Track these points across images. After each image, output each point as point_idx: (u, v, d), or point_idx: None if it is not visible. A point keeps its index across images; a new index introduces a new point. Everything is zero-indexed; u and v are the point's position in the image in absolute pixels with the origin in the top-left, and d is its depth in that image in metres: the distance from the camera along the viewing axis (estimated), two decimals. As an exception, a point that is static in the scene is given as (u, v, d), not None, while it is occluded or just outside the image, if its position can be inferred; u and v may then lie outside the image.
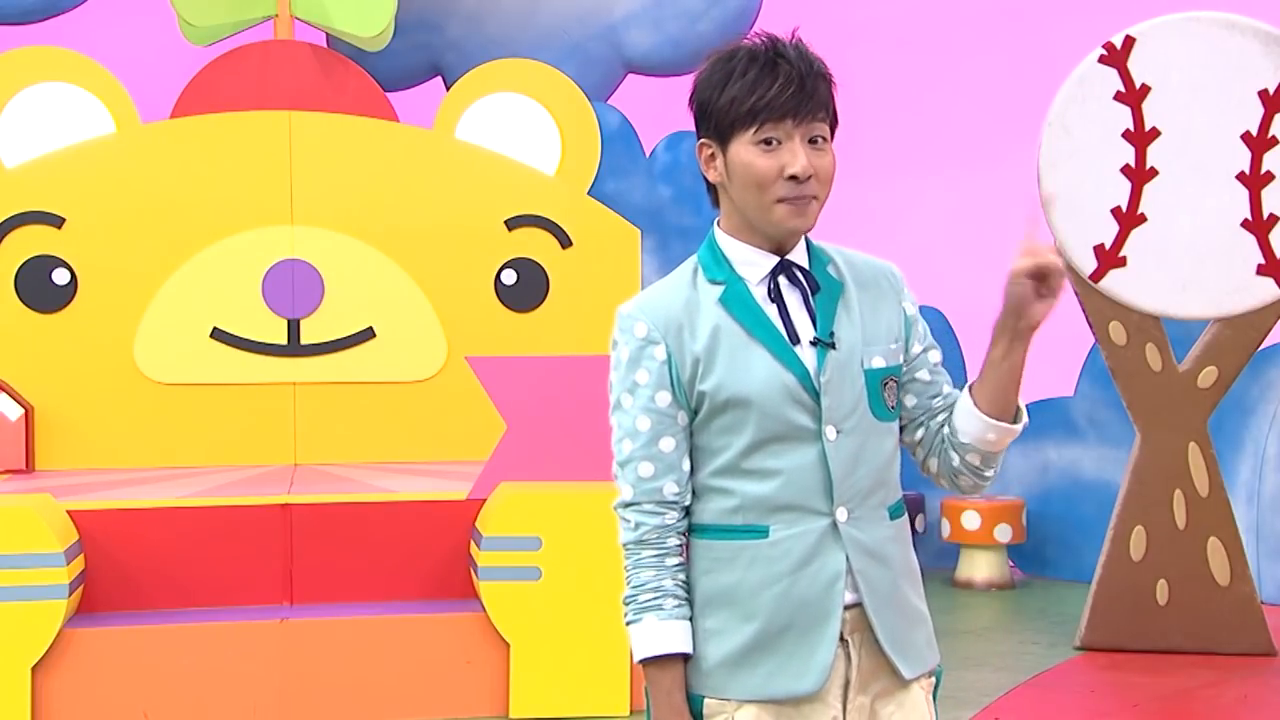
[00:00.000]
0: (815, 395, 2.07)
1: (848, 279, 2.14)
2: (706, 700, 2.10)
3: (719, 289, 2.10)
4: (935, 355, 2.22)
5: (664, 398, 2.10)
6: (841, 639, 2.10)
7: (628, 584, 2.12)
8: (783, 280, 2.10)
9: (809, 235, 2.16)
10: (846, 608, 2.09)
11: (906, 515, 2.21)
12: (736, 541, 2.09)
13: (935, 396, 2.20)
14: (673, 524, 2.11)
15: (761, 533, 2.08)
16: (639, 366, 2.10)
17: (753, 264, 2.11)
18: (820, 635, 2.07)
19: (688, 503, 2.13)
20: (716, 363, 2.08)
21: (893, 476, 2.15)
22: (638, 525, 2.12)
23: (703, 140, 2.12)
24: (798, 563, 2.07)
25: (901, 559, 2.15)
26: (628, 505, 2.13)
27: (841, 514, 2.07)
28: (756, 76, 2.04)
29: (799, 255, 2.13)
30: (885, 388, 2.12)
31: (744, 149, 2.05)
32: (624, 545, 2.14)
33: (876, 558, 2.10)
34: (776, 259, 2.11)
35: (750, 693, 2.08)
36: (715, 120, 2.08)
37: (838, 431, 2.07)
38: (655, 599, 2.09)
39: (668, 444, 2.10)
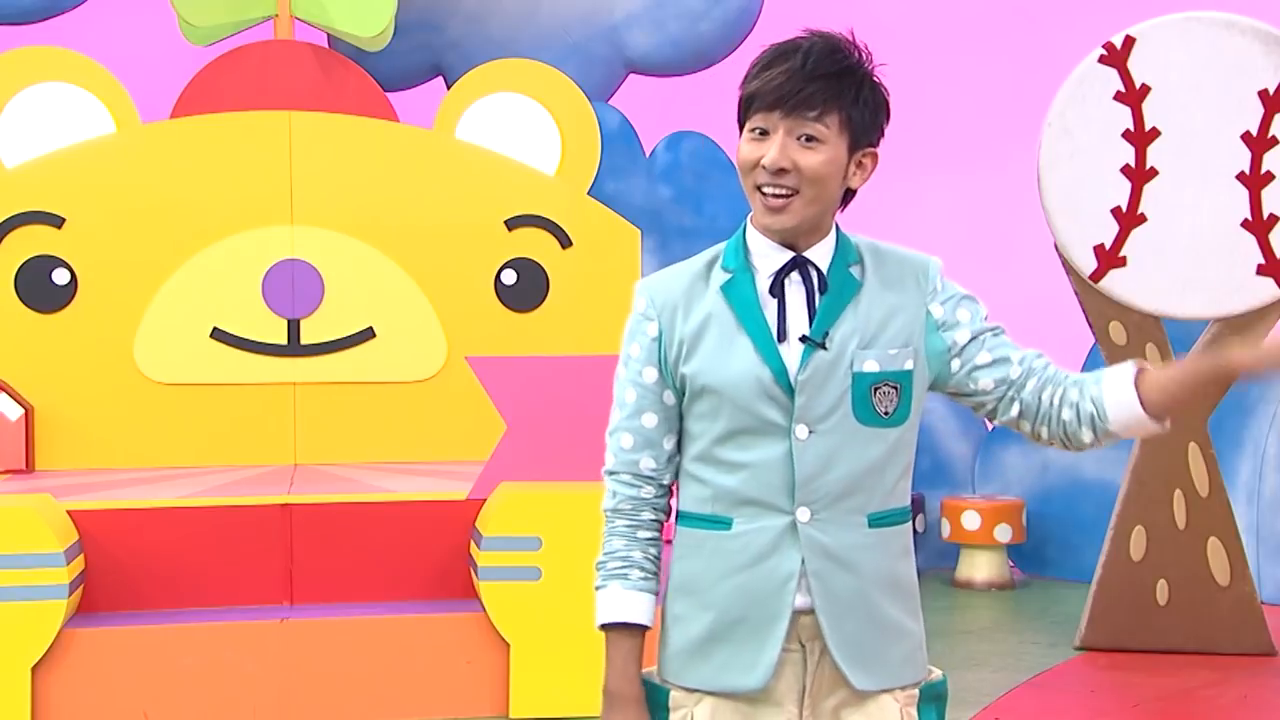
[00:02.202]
0: (790, 392, 2.06)
1: (869, 279, 2.12)
2: (671, 693, 2.13)
3: (727, 276, 2.11)
4: (992, 339, 2.15)
5: (651, 374, 2.13)
6: (801, 645, 2.09)
7: (601, 550, 2.16)
8: (791, 277, 2.09)
9: (843, 229, 2.15)
10: (804, 613, 2.07)
11: (903, 526, 2.14)
12: (703, 530, 2.12)
13: (1010, 367, 2.14)
14: (648, 498, 2.15)
15: (725, 524, 2.09)
16: (634, 340, 2.15)
17: (767, 257, 2.11)
18: (768, 634, 2.07)
19: (667, 481, 2.17)
20: (700, 348, 2.09)
21: (881, 484, 2.10)
22: (614, 494, 2.16)
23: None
24: (754, 558, 2.07)
25: (878, 568, 2.10)
26: (610, 473, 2.18)
27: (803, 514, 2.06)
28: (762, 68, 2.06)
29: (819, 252, 2.11)
30: (876, 393, 2.08)
31: (744, 136, 2.09)
32: (603, 511, 2.19)
33: (840, 563, 2.07)
34: (790, 255, 2.10)
35: (703, 682, 2.11)
36: (738, 109, 2.12)
37: (810, 431, 2.06)
38: (622, 568, 2.13)
39: (650, 420, 2.14)
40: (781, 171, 2.03)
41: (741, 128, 2.11)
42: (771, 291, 2.09)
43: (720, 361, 2.07)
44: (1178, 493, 5.91)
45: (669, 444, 2.15)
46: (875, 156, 2.12)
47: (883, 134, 2.13)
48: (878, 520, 2.10)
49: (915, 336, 2.11)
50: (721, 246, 2.16)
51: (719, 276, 2.12)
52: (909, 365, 2.10)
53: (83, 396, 6.50)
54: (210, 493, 5.35)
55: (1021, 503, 7.67)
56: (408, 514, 5.27)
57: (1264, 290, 5.67)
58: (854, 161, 2.09)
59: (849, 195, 2.14)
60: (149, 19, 8.14)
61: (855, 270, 2.12)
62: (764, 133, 2.05)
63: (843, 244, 2.14)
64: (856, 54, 2.08)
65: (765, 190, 2.05)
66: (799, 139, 2.04)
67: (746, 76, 2.09)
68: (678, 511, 2.18)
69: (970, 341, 2.14)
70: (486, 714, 5.06)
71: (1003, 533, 7.52)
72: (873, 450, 2.09)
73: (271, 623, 4.98)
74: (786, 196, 2.05)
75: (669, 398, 2.14)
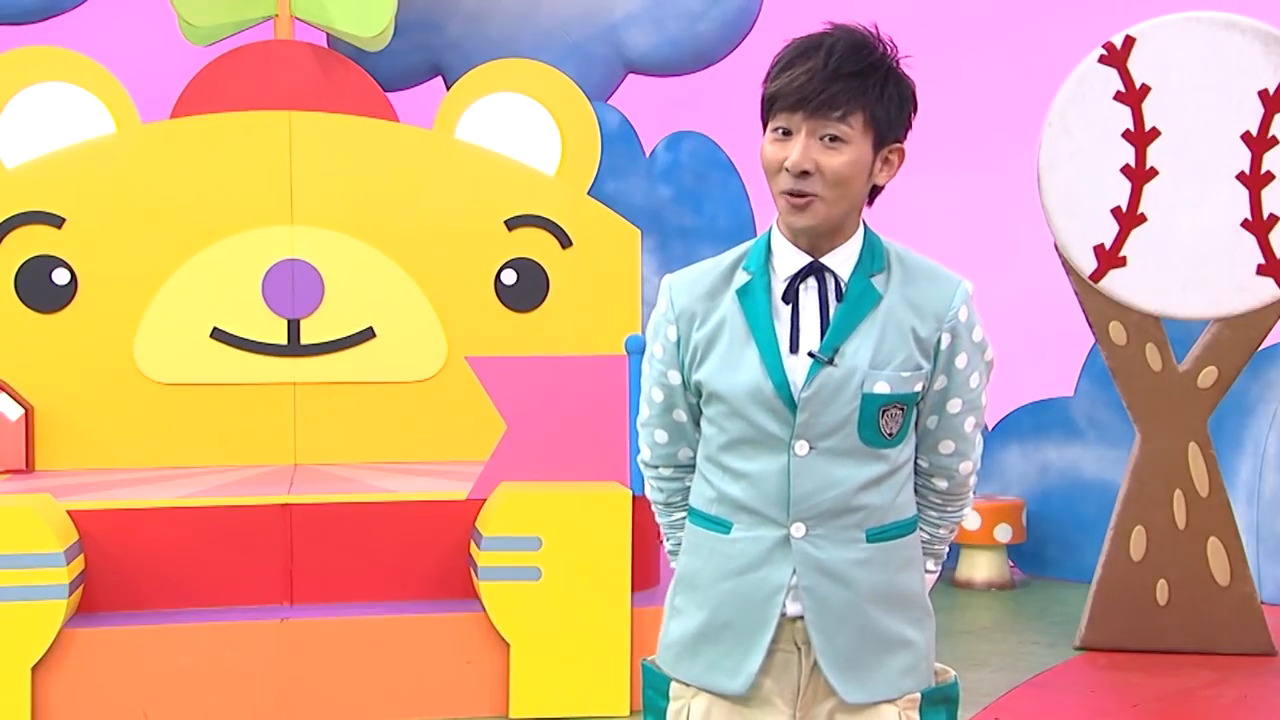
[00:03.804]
0: (791, 407, 2.03)
1: (892, 292, 2.07)
2: (672, 684, 2.16)
3: (745, 279, 2.09)
4: (969, 420, 2.14)
5: (674, 376, 2.17)
6: (797, 647, 2.09)
7: (669, 539, 2.29)
8: (806, 284, 2.06)
9: (877, 234, 2.11)
10: (796, 618, 2.07)
11: (907, 538, 2.12)
12: (705, 530, 2.14)
13: (934, 453, 2.17)
14: (691, 484, 2.23)
15: (725, 527, 2.10)
16: (656, 340, 2.18)
17: (786, 260, 2.08)
18: (753, 642, 2.07)
19: None
20: (712, 355, 2.09)
21: (880, 501, 2.07)
22: (660, 488, 2.26)
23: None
24: (746, 565, 2.08)
25: (875, 582, 2.08)
26: (649, 465, 2.26)
27: (798, 529, 2.04)
28: (784, 66, 2.02)
29: (841, 255, 2.07)
30: (884, 414, 2.04)
31: (767, 136, 2.06)
32: (654, 503, 2.30)
33: (834, 578, 2.05)
34: (808, 259, 2.06)
35: (692, 678, 2.14)
36: (761, 107, 2.09)
37: (810, 447, 2.03)
38: None
39: (680, 415, 2.19)
40: (804, 174, 2.00)
41: (765, 127, 2.07)
42: (785, 298, 2.06)
43: (728, 370, 2.07)
44: (1178, 493, 5.91)
45: (698, 433, 2.20)
46: (902, 152, 2.09)
47: (909, 128, 2.09)
48: (877, 535, 2.08)
49: (924, 360, 2.07)
50: (749, 245, 2.14)
51: (739, 278, 2.09)
52: (918, 388, 2.07)
53: (83, 396, 6.50)
54: (210, 493, 5.35)
55: (1021, 503, 7.67)
56: (408, 514, 5.27)
57: (1264, 290, 5.67)
58: (880, 159, 2.05)
59: (875, 191, 2.10)
60: (149, 19, 8.14)
61: (878, 280, 2.06)
62: (787, 133, 2.02)
63: (869, 249, 2.08)
64: (881, 48, 2.04)
65: (788, 191, 2.02)
66: (822, 139, 2.00)
67: (770, 74, 2.05)
68: (689, 506, 2.21)
69: (938, 395, 2.12)
70: (486, 714, 5.06)
71: (1003, 533, 7.52)
72: (873, 469, 2.06)
73: (271, 623, 4.99)
74: (808, 198, 2.01)
75: (690, 398, 2.17)
